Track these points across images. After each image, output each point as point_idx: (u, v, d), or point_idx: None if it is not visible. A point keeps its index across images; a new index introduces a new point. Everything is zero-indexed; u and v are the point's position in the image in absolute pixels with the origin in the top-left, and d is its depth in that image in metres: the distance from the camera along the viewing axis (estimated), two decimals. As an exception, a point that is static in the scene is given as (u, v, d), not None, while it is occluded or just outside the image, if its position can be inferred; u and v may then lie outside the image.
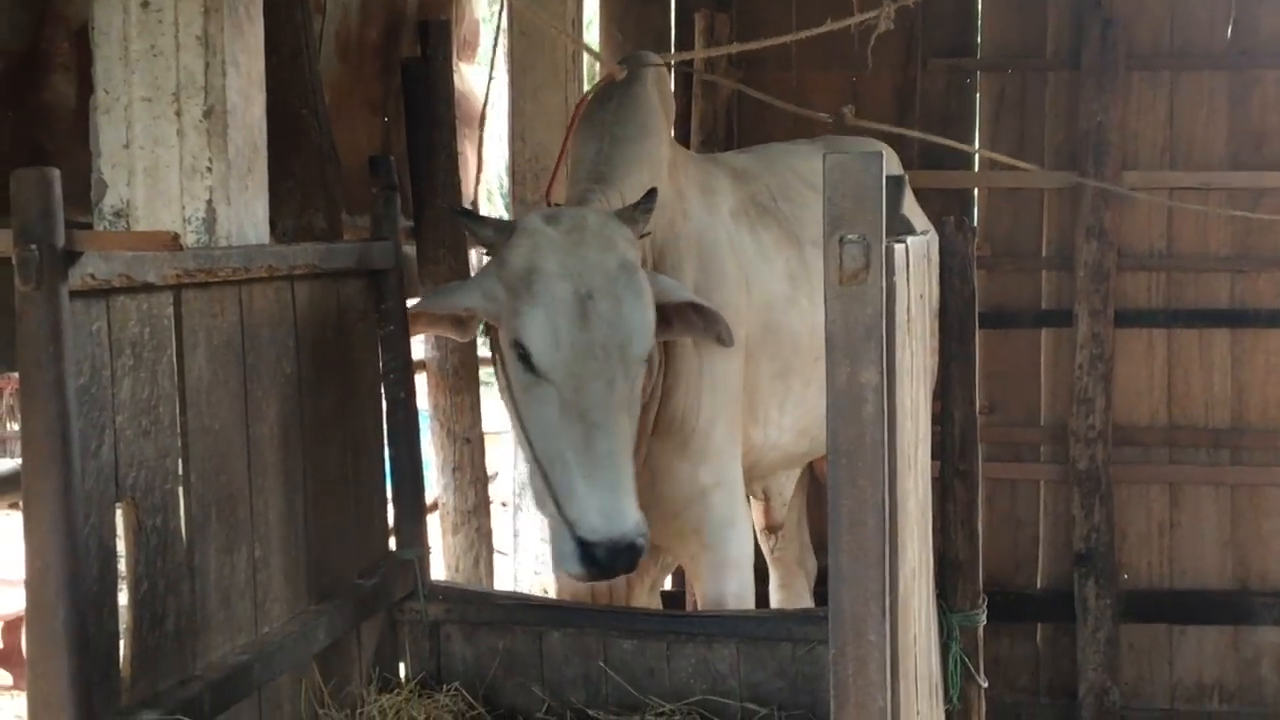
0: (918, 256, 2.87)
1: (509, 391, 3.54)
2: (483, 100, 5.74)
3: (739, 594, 4.10)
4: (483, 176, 6.29)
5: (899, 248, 2.39)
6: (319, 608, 3.43)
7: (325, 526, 3.51)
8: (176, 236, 2.59)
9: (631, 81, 4.12)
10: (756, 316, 4.15)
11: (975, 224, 6.51)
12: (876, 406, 2.19)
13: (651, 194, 3.63)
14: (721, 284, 4.03)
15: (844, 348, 2.19)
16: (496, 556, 5.82)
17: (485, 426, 5.58)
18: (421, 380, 5.37)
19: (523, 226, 3.50)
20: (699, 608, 4.28)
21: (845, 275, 2.17)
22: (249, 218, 3.33)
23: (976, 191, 6.55)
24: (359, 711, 3.53)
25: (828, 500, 2.21)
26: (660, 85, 4.26)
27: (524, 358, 3.38)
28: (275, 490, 3.28)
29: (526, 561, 6.18)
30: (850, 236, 2.17)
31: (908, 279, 2.55)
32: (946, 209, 5.76)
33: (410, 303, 3.94)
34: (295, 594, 3.37)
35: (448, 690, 3.72)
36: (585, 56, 6.15)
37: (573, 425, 3.34)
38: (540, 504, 3.60)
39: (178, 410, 2.92)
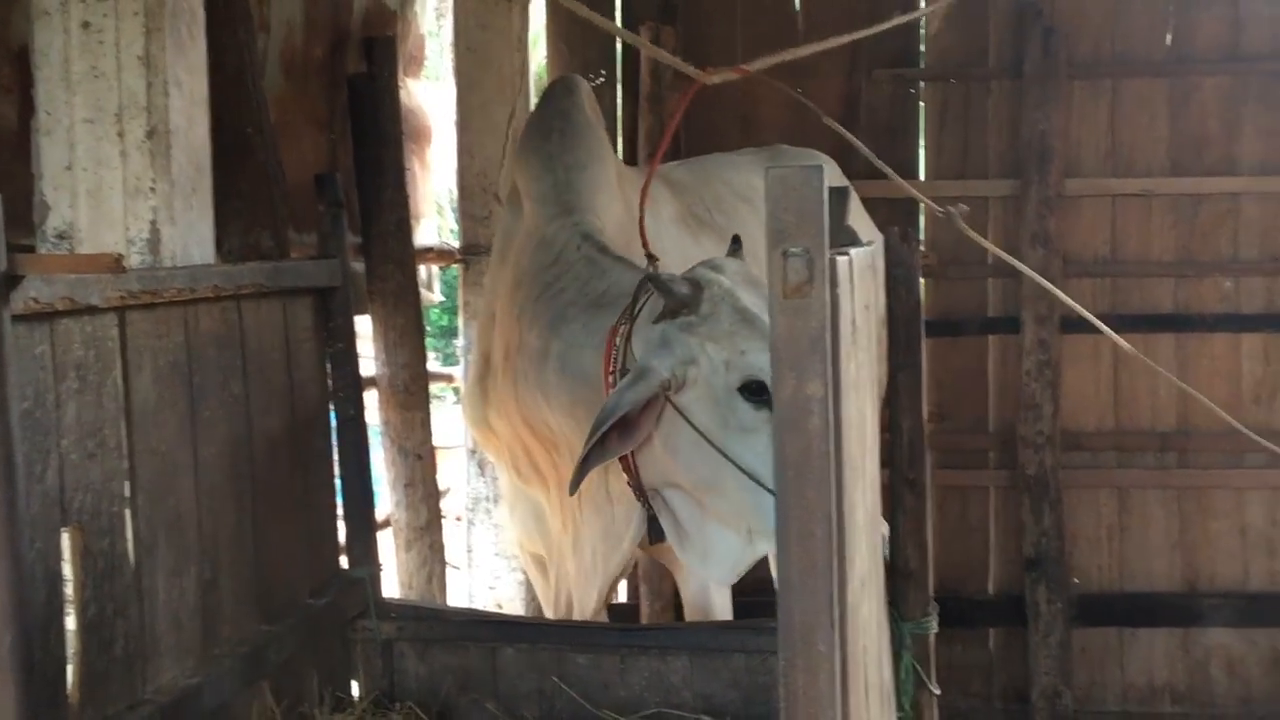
0: (862, 268, 2.88)
1: (717, 440, 3.33)
2: (430, 116, 5.76)
3: (723, 604, 4.15)
4: (431, 192, 6.30)
5: (842, 260, 2.41)
6: (270, 628, 3.42)
7: (275, 547, 3.50)
8: (120, 258, 2.58)
9: (569, 107, 4.14)
10: None
11: (921, 233, 6.56)
12: (822, 418, 2.20)
13: (737, 239, 3.63)
14: None
15: (789, 360, 2.19)
16: (450, 572, 5.81)
17: (436, 441, 5.57)
18: (372, 397, 5.36)
19: (707, 278, 3.41)
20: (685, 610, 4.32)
21: (789, 289, 2.18)
22: (194, 238, 3.32)
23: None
24: (312, 732, 3.52)
25: (775, 512, 2.22)
26: (591, 102, 4.29)
27: (757, 393, 3.27)
28: (224, 511, 3.27)
29: (481, 577, 6.18)
30: (793, 250, 2.18)
31: (852, 290, 2.56)
32: (892, 219, 5.80)
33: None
34: (245, 615, 3.36)
35: (401, 708, 3.71)
36: (531, 72, 6.17)
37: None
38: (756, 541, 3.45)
39: (124, 433, 2.90)
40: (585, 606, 3.94)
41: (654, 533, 3.63)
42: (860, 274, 2.83)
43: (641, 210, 3.98)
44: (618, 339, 3.49)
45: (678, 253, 4.20)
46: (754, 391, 3.28)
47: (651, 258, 3.81)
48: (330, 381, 3.84)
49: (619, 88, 6.59)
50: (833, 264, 2.28)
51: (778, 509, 2.21)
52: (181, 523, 3.09)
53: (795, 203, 2.20)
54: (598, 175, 4.02)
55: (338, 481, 3.92)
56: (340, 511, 3.92)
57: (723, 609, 4.23)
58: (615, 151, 5.48)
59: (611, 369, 3.48)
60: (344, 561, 3.93)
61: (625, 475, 3.53)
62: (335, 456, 3.89)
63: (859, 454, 2.66)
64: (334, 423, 3.93)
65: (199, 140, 3.35)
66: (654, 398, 3.27)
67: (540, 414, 3.78)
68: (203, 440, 3.18)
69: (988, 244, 5.03)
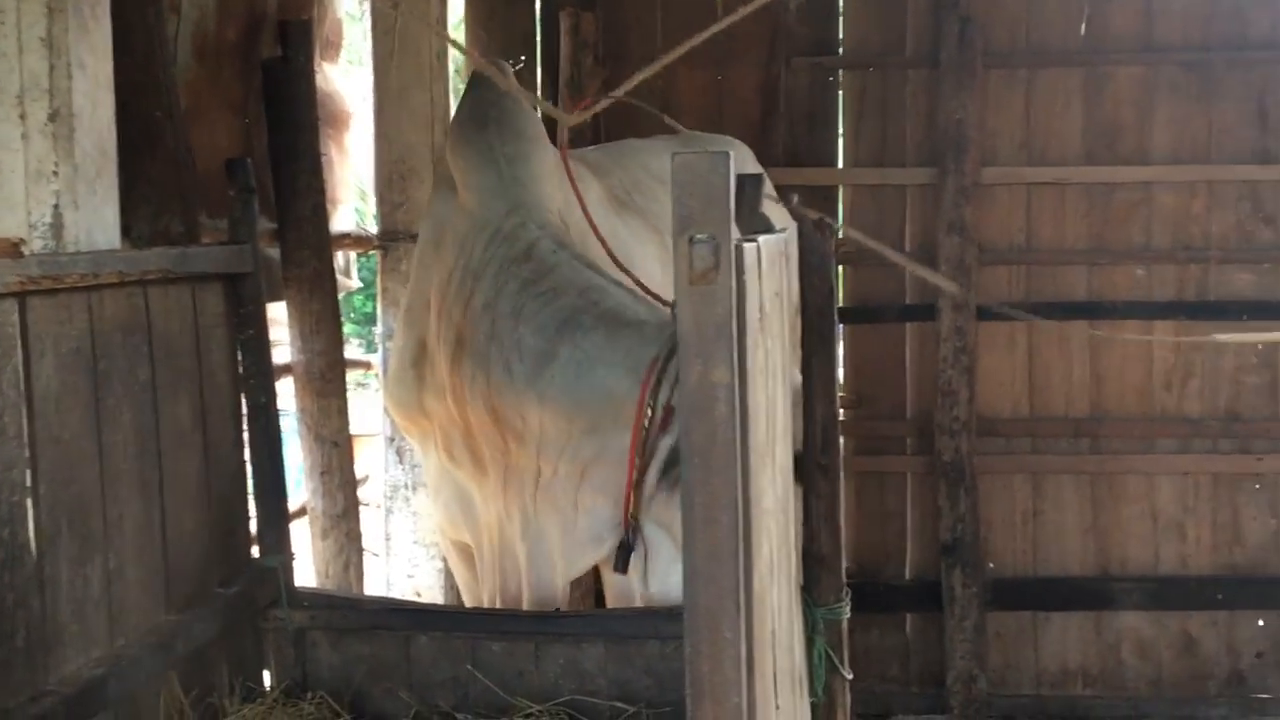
0: (773, 255, 2.89)
1: None
2: (349, 101, 5.71)
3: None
4: (348, 177, 6.25)
5: (749, 247, 2.41)
6: (177, 618, 3.38)
7: (184, 535, 3.46)
8: (19, 243, 2.54)
9: (499, 96, 4.14)
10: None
11: (840, 221, 6.60)
12: (729, 405, 2.20)
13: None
14: (608, 266, 4.09)
15: (695, 347, 2.19)
16: (369, 559, 5.77)
17: (354, 429, 5.53)
18: (289, 384, 5.32)
19: None
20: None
21: (695, 275, 2.18)
22: (98, 222, 3.26)
23: (841, 189, 6.63)
24: (221, 722, 3.48)
25: (681, 498, 2.22)
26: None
27: None
28: (130, 499, 3.22)
29: (399, 565, 6.14)
30: (699, 236, 2.18)
31: (760, 277, 2.56)
32: (811, 206, 5.81)
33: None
34: (152, 604, 3.31)
35: (312, 698, 3.68)
36: (451, 57, 6.13)
37: None
38: None
39: (25, 420, 2.85)
40: (544, 595, 3.98)
41: (619, 563, 3.76)
42: (770, 261, 2.84)
43: (589, 218, 4.10)
44: (653, 376, 3.60)
45: (607, 230, 4.24)
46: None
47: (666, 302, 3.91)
48: (241, 368, 3.79)
49: (539, 72, 6.57)
50: (739, 250, 2.28)
51: (683, 495, 2.21)
52: (85, 511, 3.05)
53: (701, 189, 2.20)
54: (538, 165, 4.08)
55: (249, 470, 3.87)
56: (252, 500, 3.88)
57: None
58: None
59: (647, 414, 3.61)
60: (256, 550, 3.88)
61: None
62: (246, 445, 3.84)
63: (767, 440, 2.67)
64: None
65: (103, 123, 3.29)
66: None
67: (520, 408, 3.81)
68: (107, 428, 3.13)
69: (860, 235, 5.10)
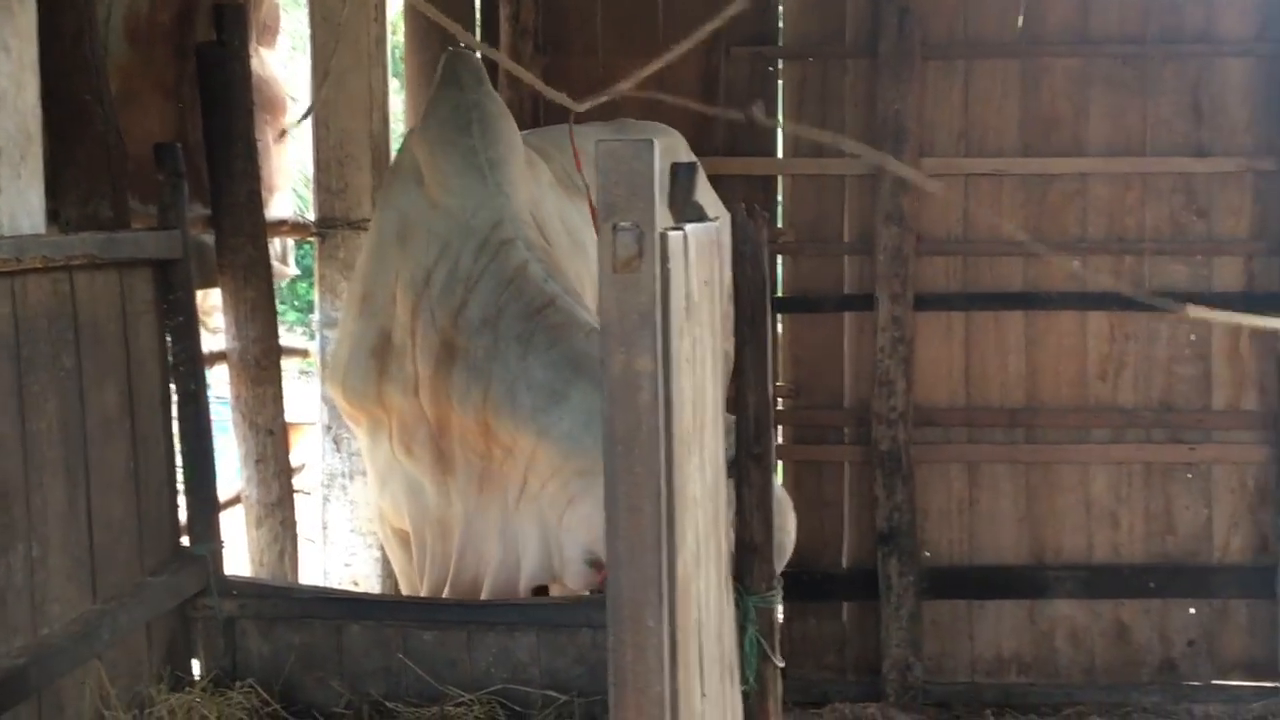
0: (702, 243, 2.88)
1: None
2: (287, 87, 5.66)
3: None
4: (285, 164, 6.20)
5: (675, 235, 2.40)
6: (103, 607, 3.35)
7: (110, 523, 3.43)
8: (-63, 227, 2.50)
9: (482, 97, 4.19)
10: (595, 282, 4.21)
11: (780, 210, 6.61)
12: (652, 394, 2.19)
13: None
14: (566, 253, 4.13)
15: (619, 336, 2.18)
16: (306, 547, 5.74)
17: (289, 417, 5.49)
18: (223, 371, 5.27)
19: None
20: None
21: (619, 263, 2.17)
22: (23, 207, 3.22)
23: (780, 178, 6.64)
24: (148, 712, 3.45)
25: (604, 487, 2.21)
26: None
27: None
28: (54, 487, 3.19)
29: (336, 553, 6.11)
30: (623, 224, 2.17)
31: (687, 265, 2.56)
32: (751, 195, 5.83)
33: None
34: (78, 593, 3.28)
35: (242, 687, 3.66)
36: (389, 43, 6.09)
37: None
38: None
39: (-56, 407, 2.81)
40: (506, 592, 4.08)
41: None
42: (700, 249, 2.84)
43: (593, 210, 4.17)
44: None
45: (561, 213, 4.32)
46: None
47: None
48: (171, 356, 3.75)
49: (479, 58, 6.53)
50: (664, 239, 2.27)
51: (606, 484, 2.21)
52: (8, 499, 3.01)
53: (626, 176, 2.19)
54: (517, 170, 4.19)
55: (179, 458, 3.84)
56: (182, 488, 3.84)
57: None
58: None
59: None
60: (186, 539, 3.85)
61: None
62: (175, 432, 3.81)
63: (693, 429, 2.67)
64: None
65: (28, 106, 3.25)
66: None
67: (516, 433, 3.93)
68: (31, 415, 3.09)
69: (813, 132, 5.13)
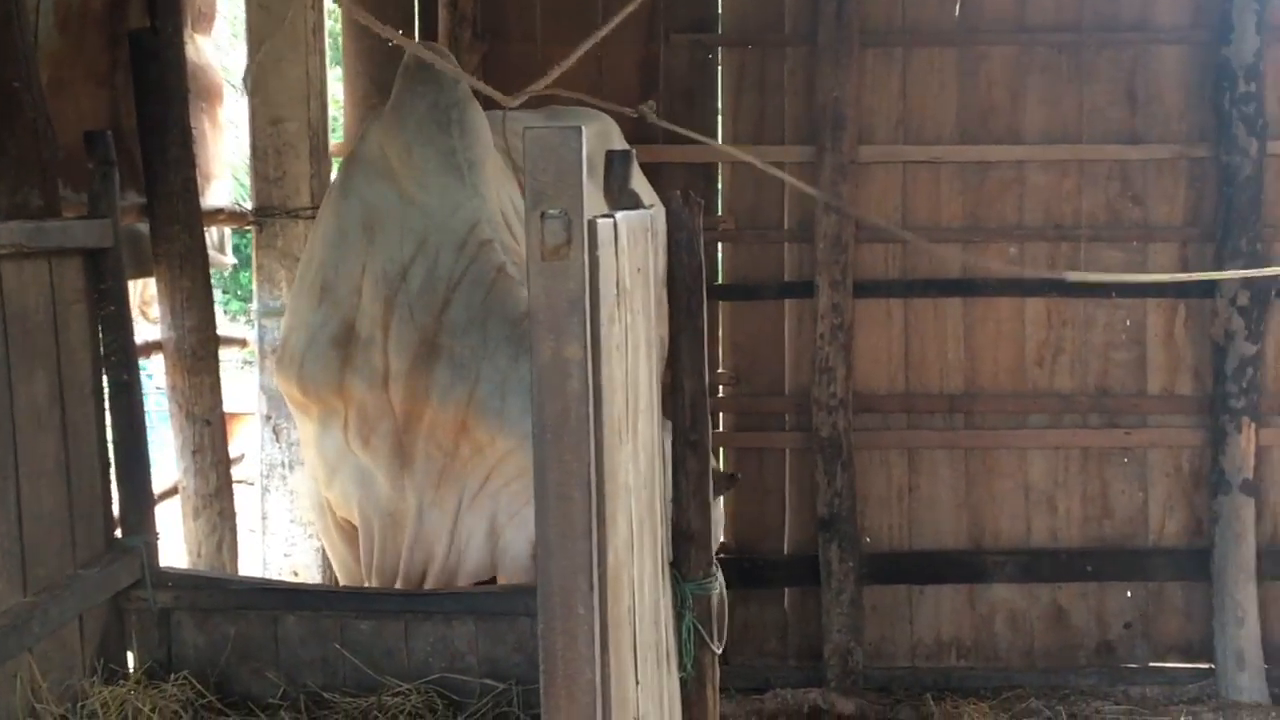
0: (634, 230, 2.89)
1: None
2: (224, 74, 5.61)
3: None
4: (221, 152, 6.15)
5: (605, 222, 2.40)
6: (34, 599, 3.31)
7: (41, 516, 3.39)
8: None
9: (462, 96, 4.18)
10: None
11: (720, 198, 6.62)
12: (581, 382, 2.19)
13: None
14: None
15: (547, 323, 2.19)
16: (246, 538, 5.69)
17: (230, 407, 5.45)
18: (160, 362, 5.22)
19: None
20: None
21: (547, 250, 2.17)
22: (-52, 196, 3.18)
23: (720, 166, 6.65)
24: (80, 705, 3.42)
25: (534, 475, 2.21)
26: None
27: None
28: (-18, 479, 3.15)
29: (276, 544, 6.07)
30: (551, 211, 2.17)
31: (618, 252, 2.56)
32: (691, 183, 5.84)
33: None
34: (7, 586, 3.24)
35: (176, 679, 3.63)
36: (326, 30, 6.04)
37: None
38: None
39: None
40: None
41: None
42: (632, 236, 2.84)
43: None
44: None
45: (505, 194, 4.31)
46: None
47: None
48: (103, 346, 3.71)
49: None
50: (593, 226, 2.27)
51: (535, 472, 2.21)
52: (-66, 492, 2.98)
53: (553, 164, 2.19)
54: (492, 170, 4.23)
55: (111, 449, 3.80)
56: (115, 480, 3.81)
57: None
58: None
59: None
60: (120, 531, 3.82)
61: None
62: (108, 424, 3.77)
63: (625, 417, 2.67)
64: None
65: (-46, 94, 3.20)
66: None
67: (496, 434, 3.95)
68: (-43, 406, 3.06)
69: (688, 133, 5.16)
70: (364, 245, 4.16)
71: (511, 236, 4.22)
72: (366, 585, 4.27)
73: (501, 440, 3.96)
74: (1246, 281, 6.30)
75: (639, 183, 4.25)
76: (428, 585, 4.13)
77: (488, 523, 4.10)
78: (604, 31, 4.20)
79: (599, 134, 5.05)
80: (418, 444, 4.07)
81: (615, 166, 3.55)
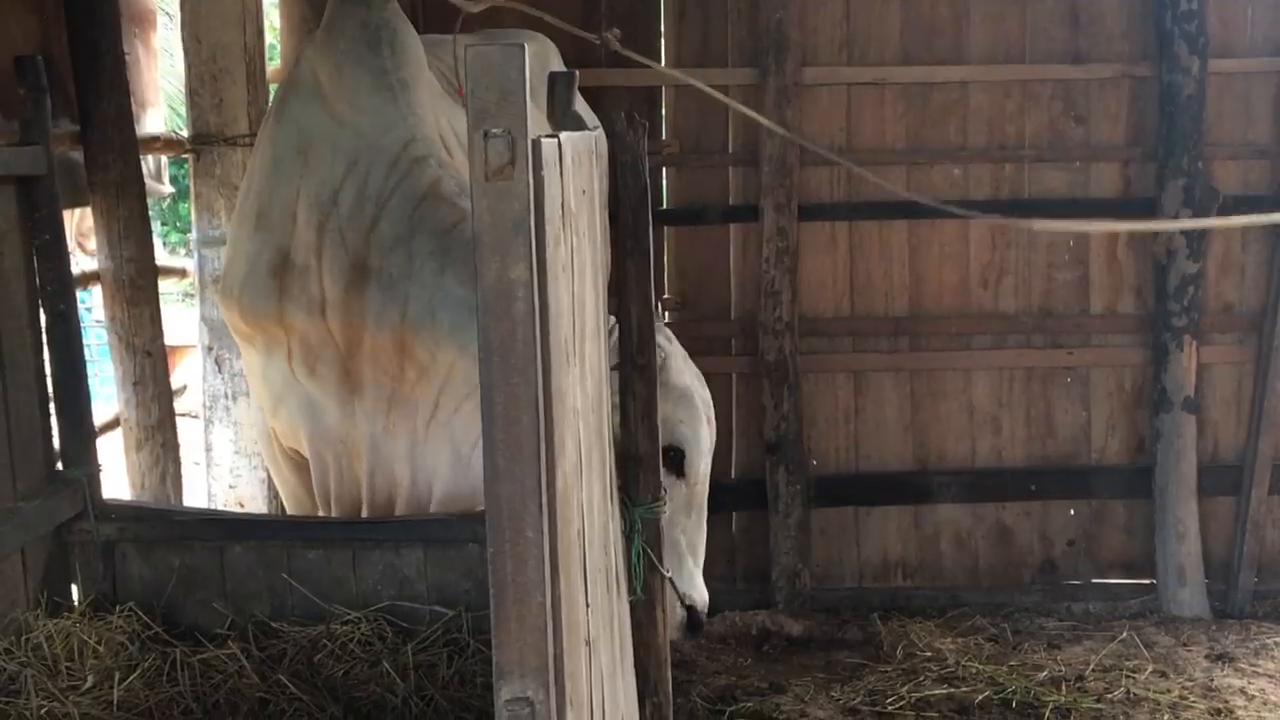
0: (579, 151, 2.85)
1: None
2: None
3: None
4: (156, 78, 6.04)
5: (549, 142, 2.36)
6: (-27, 534, 3.28)
7: (-22, 449, 3.34)
8: None
9: (392, 15, 4.13)
10: None
11: (664, 122, 6.57)
12: (527, 303, 2.16)
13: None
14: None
15: (492, 244, 2.15)
16: (191, 470, 5.66)
17: (172, 340, 5.40)
18: (99, 293, 5.15)
19: (664, 350, 4.06)
20: None
21: (490, 171, 2.13)
22: (-126, 122, 3.10)
23: (664, 90, 6.59)
24: (25, 638, 3.39)
25: (481, 398, 2.18)
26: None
27: (675, 460, 4.16)
28: (-82, 413, 3.10)
29: (221, 475, 6.04)
30: (494, 131, 2.13)
31: (562, 173, 2.52)
32: (634, 107, 5.79)
33: None
34: (-54, 521, 3.21)
35: (121, 611, 3.60)
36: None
37: (693, 516, 4.32)
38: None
39: None
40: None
41: None
42: (576, 157, 2.80)
43: None
44: None
45: (447, 120, 4.28)
46: (671, 457, 4.00)
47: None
48: (38, 276, 3.65)
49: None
50: (537, 146, 2.24)
51: (483, 395, 2.18)
52: None
53: (496, 82, 2.15)
54: (426, 89, 4.18)
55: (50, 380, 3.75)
56: (54, 412, 3.76)
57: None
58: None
59: None
60: (61, 464, 3.78)
61: None
62: (45, 355, 3.71)
63: (572, 339, 2.65)
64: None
65: (-124, 17, 3.12)
66: None
67: (435, 349, 3.92)
68: (-110, 338, 3.00)
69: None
70: (299, 171, 4.10)
71: (450, 157, 4.17)
72: (324, 515, 4.24)
73: (441, 354, 3.93)
74: (1188, 199, 6.33)
75: (580, 106, 4.21)
76: (397, 513, 4.09)
77: (449, 454, 4.06)
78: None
79: (537, 54, 5.00)
80: (364, 370, 4.03)
81: (558, 88, 3.51)
